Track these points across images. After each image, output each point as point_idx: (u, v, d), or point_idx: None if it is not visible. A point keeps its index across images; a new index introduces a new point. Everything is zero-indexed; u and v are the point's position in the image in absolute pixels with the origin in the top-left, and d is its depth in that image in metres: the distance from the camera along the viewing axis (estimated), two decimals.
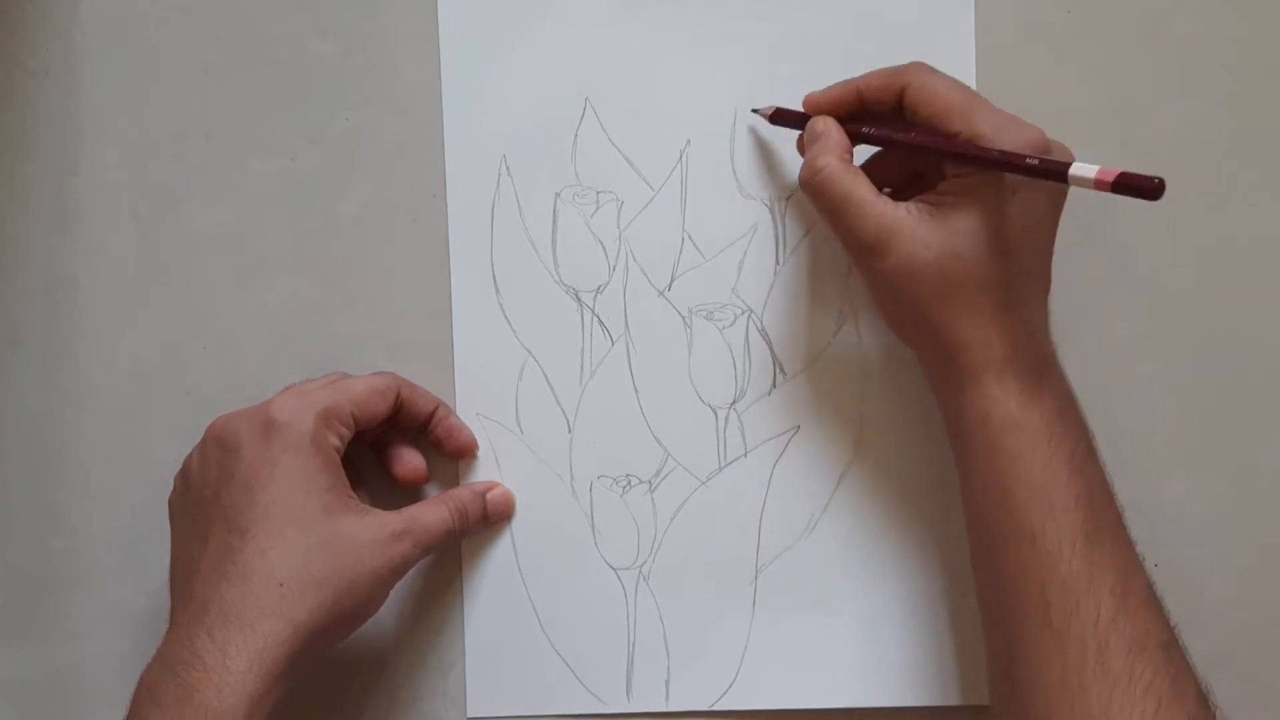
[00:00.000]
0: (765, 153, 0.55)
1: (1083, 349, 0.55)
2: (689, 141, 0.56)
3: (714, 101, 0.55)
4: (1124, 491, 0.55)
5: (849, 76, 0.52)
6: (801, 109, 0.53)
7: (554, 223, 0.56)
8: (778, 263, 0.56)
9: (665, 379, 0.56)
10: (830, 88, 0.52)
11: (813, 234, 0.55)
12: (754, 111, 0.55)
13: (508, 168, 0.56)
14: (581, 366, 0.56)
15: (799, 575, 0.55)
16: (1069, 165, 0.45)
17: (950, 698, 0.55)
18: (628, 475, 0.56)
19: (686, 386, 0.56)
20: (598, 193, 0.56)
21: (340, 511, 0.49)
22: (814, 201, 0.50)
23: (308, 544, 0.48)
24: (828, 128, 0.51)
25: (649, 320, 0.56)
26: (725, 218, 0.56)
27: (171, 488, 0.52)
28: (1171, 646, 0.46)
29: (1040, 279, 0.50)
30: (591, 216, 0.56)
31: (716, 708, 0.56)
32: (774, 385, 0.56)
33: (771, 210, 0.56)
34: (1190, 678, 0.45)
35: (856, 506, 0.55)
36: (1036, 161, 0.46)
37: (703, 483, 0.56)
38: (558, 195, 0.56)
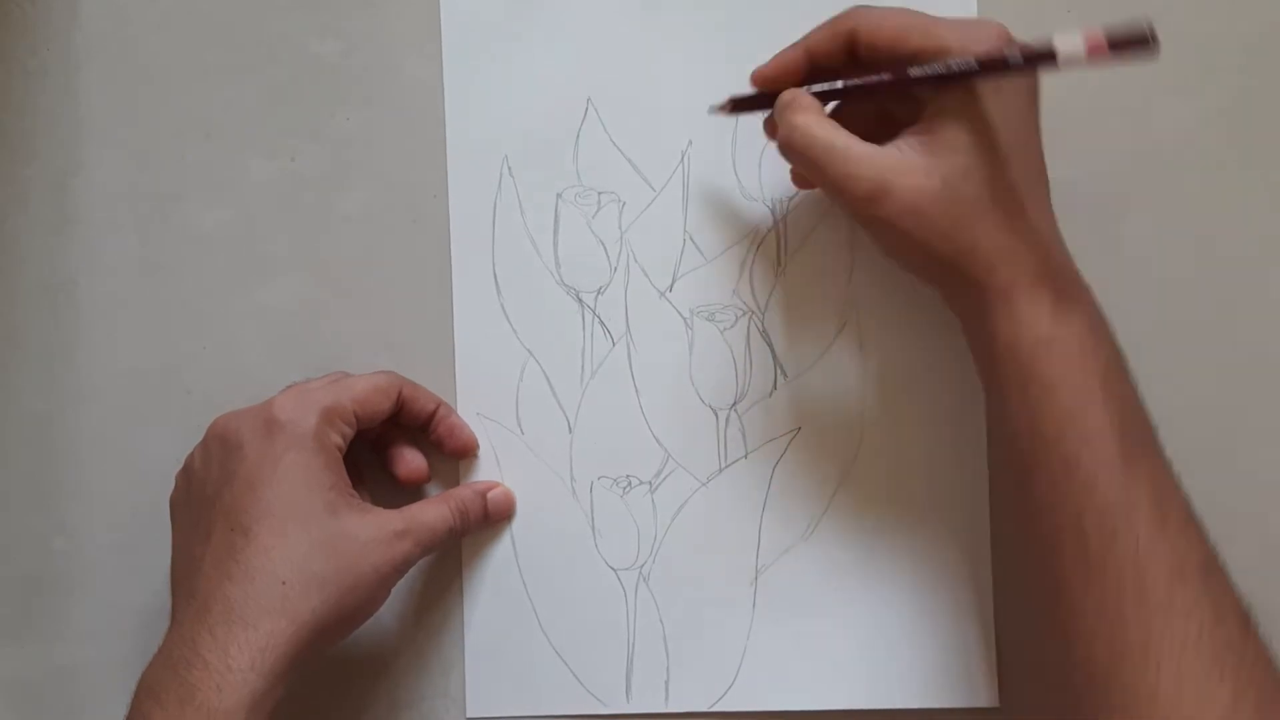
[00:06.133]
0: (767, 154, 0.55)
1: None
2: (691, 142, 0.56)
3: (716, 102, 0.55)
4: None
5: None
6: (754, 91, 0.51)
7: (555, 223, 0.56)
8: (779, 264, 0.56)
9: (666, 380, 0.56)
10: (775, 56, 0.50)
11: (815, 235, 0.55)
12: (712, 111, 0.53)
13: (509, 168, 0.56)
14: (582, 367, 0.56)
15: (799, 577, 0.55)
16: (1055, 49, 0.43)
17: (951, 700, 0.55)
18: (628, 476, 0.56)
19: (687, 387, 0.56)
20: (599, 193, 0.56)
21: (343, 510, 0.49)
22: (797, 161, 0.48)
23: (310, 542, 0.48)
24: (795, 95, 0.49)
25: (650, 321, 0.56)
26: (727, 219, 0.56)
27: (172, 487, 0.52)
28: (1211, 568, 0.44)
29: (1040, 176, 0.48)
30: (593, 217, 0.56)
31: (716, 708, 0.56)
32: (775, 387, 0.56)
33: (773, 211, 0.56)
34: (1231, 599, 0.44)
35: (857, 509, 0.55)
36: (1020, 58, 0.44)
37: (703, 484, 0.56)
38: (559, 196, 0.56)
